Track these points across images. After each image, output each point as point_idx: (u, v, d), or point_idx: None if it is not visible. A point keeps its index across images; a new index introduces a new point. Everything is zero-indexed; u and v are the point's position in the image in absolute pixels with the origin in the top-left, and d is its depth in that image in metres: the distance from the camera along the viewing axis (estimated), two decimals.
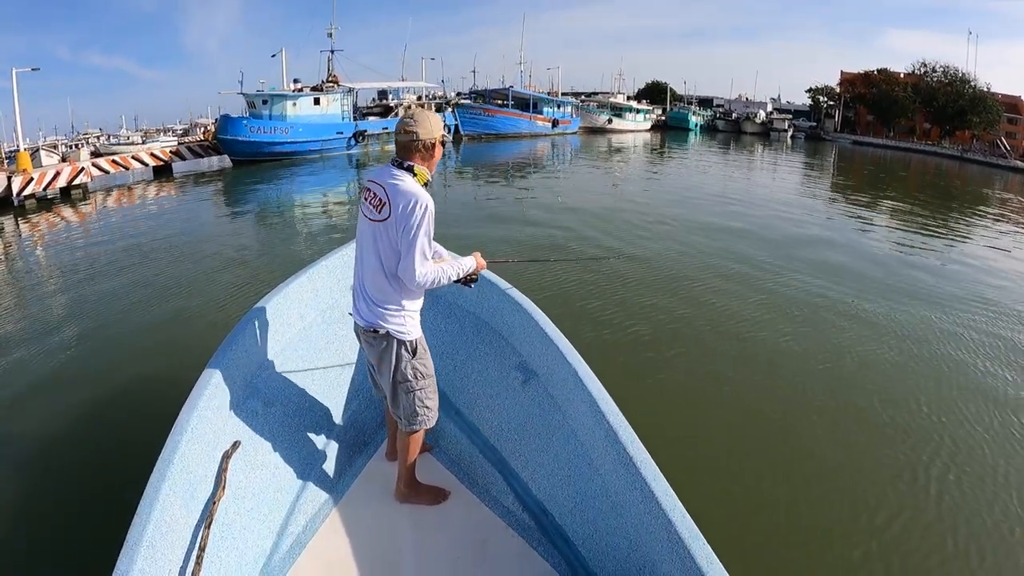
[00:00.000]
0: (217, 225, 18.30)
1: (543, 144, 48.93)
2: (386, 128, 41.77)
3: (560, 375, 3.44)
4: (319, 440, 3.70)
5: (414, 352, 3.18)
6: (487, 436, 3.81)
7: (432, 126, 3.04)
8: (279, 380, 3.73)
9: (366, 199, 3.09)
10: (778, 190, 25.03)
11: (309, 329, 4.16)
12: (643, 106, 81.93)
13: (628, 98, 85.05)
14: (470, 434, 3.87)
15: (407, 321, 3.15)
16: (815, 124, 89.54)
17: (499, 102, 57.31)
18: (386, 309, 3.08)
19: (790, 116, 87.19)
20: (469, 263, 3.37)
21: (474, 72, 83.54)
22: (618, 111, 74.15)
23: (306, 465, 3.50)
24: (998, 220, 21.64)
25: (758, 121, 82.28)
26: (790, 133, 79.34)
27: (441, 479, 3.59)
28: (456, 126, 49.63)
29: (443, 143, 3.17)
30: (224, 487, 2.85)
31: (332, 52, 44.42)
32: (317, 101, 38.15)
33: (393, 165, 3.08)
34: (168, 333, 8.25)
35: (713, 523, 2.80)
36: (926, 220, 19.55)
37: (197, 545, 2.52)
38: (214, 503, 2.74)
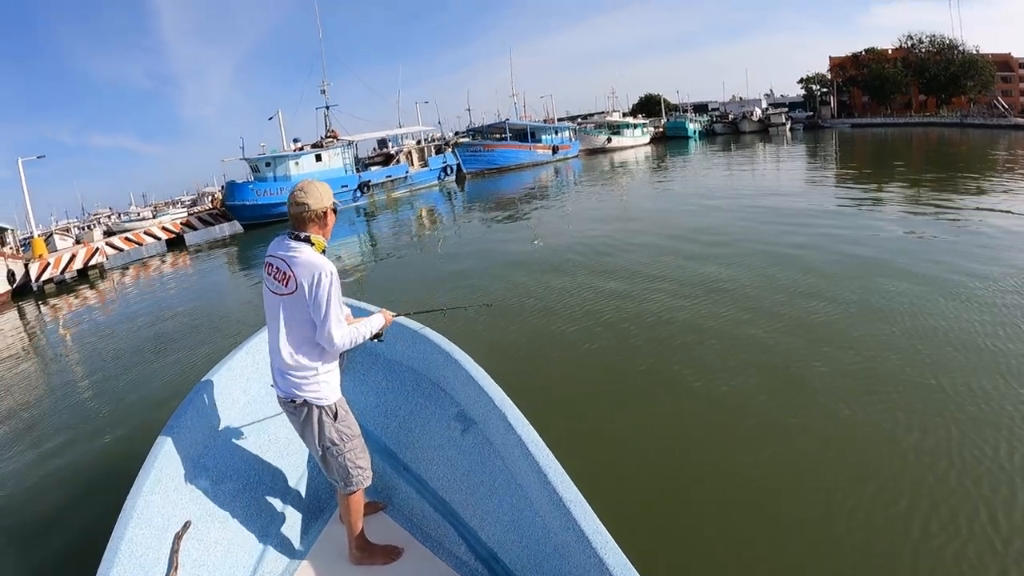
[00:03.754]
0: (232, 292, 18.43)
1: (546, 172, 49.13)
2: (389, 176, 42.29)
3: (494, 421, 3.46)
4: (272, 511, 3.68)
5: (335, 416, 3.20)
6: (436, 488, 3.79)
7: (322, 195, 3.15)
8: (228, 455, 3.75)
9: (269, 273, 3.15)
10: (798, 192, 24.43)
11: (254, 402, 4.22)
12: (639, 120, 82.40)
13: (624, 115, 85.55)
14: (420, 488, 3.85)
15: (323, 387, 3.17)
16: (812, 114, 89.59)
17: (497, 136, 57.83)
18: (301, 378, 3.11)
19: (786, 109, 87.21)
20: (377, 321, 3.46)
21: (469, 110, 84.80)
22: (616, 129, 74.55)
23: (261, 537, 3.48)
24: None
25: (755, 119, 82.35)
26: (788, 126, 79.02)
27: (395, 536, 3.59)
28: (458, 165, 50.12)
29: (335, 210, 3.28)
30: (176, 568, 2.84)
31: (327, 108, 45.07)
32: (319, 158, 38.55)
33: (289, 237, 3.14)
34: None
35: (647, 555, 2.89)
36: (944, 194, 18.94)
37: None
38: None
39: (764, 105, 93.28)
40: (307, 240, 3.09)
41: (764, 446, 5.25)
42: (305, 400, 3.12)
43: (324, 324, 2.98)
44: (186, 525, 3.10)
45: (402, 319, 4.24)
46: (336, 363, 3.29)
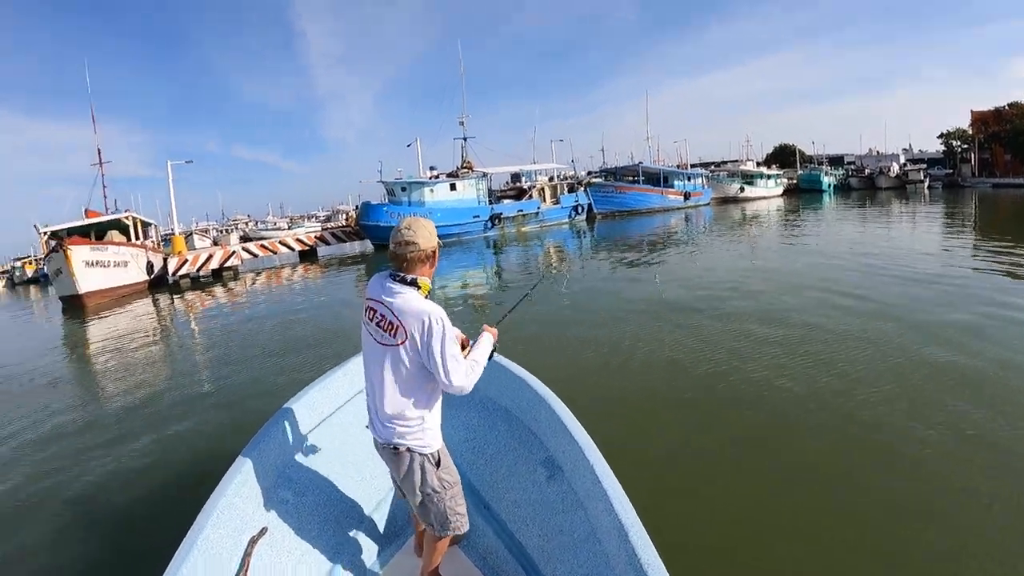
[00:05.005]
0: (355, 310, 18.06)
1: (676, 218, 47.61)
2: (521, 211, 42.12)
3: (582, 472, 3.38)
4: (348, 531, 3.70)
5: (438, 463, 3.08)
6: (514, 531, 3.71)
7: (431, 234, 2.97)
8: (312, 470, 3.82)
9: (371, 319, 2.97)
10: (950, 258, 22.38)
11: (344, 424, 4.26)
12: (773, 171, 79.39)
13: (757, 164, 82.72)
14: (497, 529, 3.78)
15: (427, 435, 3.03)
16: (951, 171, 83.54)
17: (630, 179, 56.85)
18: (406, 427, 2.97)
19: (924, 166, 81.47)
20: (487, 341, 3.28)
21: (602, 150, 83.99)
22: (749, 178, 71.94)
23: (332, 555, 3.50)
24: None
25: (892, 175, 77.43)
26: (926, 184, 73.62)
27: (465, 572, 3.54)
28: (590, 205, 49.54)
29: (440, 248, 3.09)
30: (247, 571, 2.91)
31: (465, 139, 45.67)
32: (453, 187, 38.89)
33: (393, 280, 2.93)
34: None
35: None
36: None
37: None
38: None
39: (902, 160, 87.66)
40: (413, 283, 2.90)
41: None
42: (408, 448, 3.00)
43: (445, 373, 2.84)
44: (263, 531, 3.18)
45: (502, 360, 4.35)
46: (439, 409, 3.14)
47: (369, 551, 3.70)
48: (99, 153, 39.66)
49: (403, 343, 2.83)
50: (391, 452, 3.03)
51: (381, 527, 3.90)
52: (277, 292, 23.03)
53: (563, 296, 15.28)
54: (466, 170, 42.27)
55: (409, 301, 2.84)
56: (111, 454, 7.35)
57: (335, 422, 4.25)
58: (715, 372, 8.06)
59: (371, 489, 4.05)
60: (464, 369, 2.92)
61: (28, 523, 5.82)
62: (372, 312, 2.96)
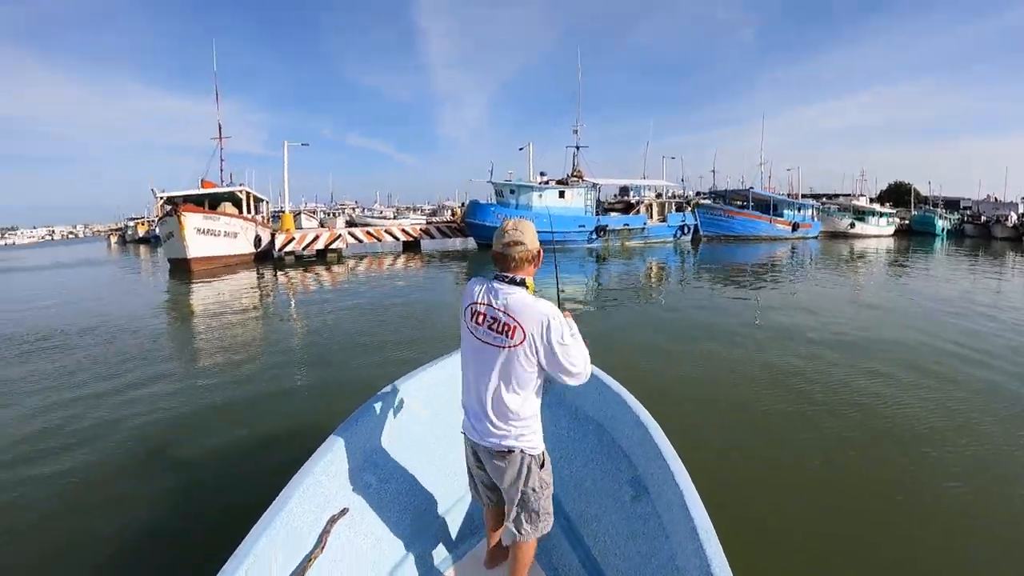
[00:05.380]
0: (454, 305, 18.27)
1: (782, 248, 45.30)
2: (627, 225, 41.18)
3: (668, 496, 3.28)
4: (424, 522, 3.75)
5: (542, 464, 3.07)
6: (590, 546, 3.68)
7: (535, 235, 2.94)
8: (397, 459, 3.84)
9: (479, 323, 2.88)
10: None
11: (434, 418, 4.26)
12: (886, 209, 75.32)
13: (870, 200, 78.83)
14: (574, 542, 3.75)
15: (535, 436, 3.01)
16: None
17: (739, 203, 54.86)
18: (517, 428, 2.92)
19: None
20: (574, 325, 3.07)
21: (713, 172, 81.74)
22: (860, 215, 68.04)
23: (408, 543, 3.56)
24: None
25: (1010, 224, 72.26)
26: None
27: None
28: (696, 226, 48.13)
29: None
30: (323, 548, 2.96)
31: (577, 148, 45.05)
32: (562, 194, 38.41)
33: (501, 281, 2.88)
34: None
35: None
36: None
37: None
38: (309, 560, 2.85)
39: (1021, 210, 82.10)
40: (522, 283, 2.87)
41: None
42: (521, 449, 2.96)
43: (571, 365, 2.82)
44: (343, 511, 3.23)
45: (596, 371, 4.26)
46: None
47: (441, 547, 3.73)
48: (219, 128, 40.99)
49: (521, 343, 2.77)
50: (500, 455, 2.97)
51: (455, 526, 3.92)
52: (378, 279, 23.05)
53: (659, 313, 15.04)
54: (576, 179, 41.63)
55: (523, 301, 2.79)
56: (204, 418, 7.54)
57: (424, 414, 4.27)
58: (810, 406, 7.71)
59: (450, 486, 4.08)
60: (585, 357, 2.91)
61: (120, 476, 5.97)
62: (480, 316, 2.88)
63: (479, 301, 2.89)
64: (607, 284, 21.68)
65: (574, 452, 4.37)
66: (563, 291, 15.82)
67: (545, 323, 2.75)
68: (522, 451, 2.97)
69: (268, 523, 2.72)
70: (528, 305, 2.78)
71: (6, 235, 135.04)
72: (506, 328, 2.79)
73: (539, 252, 2.94)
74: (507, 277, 2.86)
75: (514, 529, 3.14)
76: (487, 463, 3.08)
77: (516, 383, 2.86)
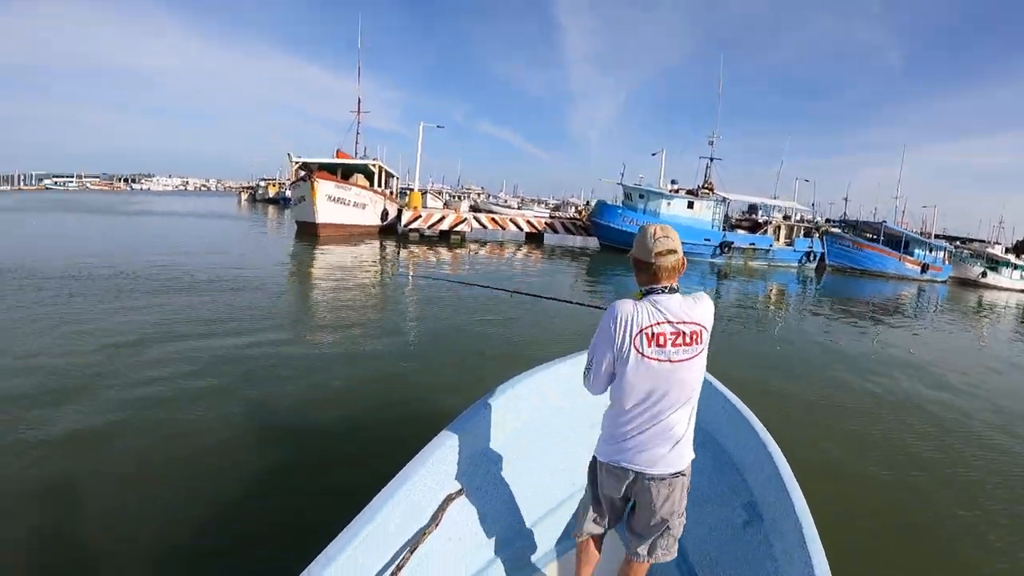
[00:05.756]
0: (570, 295, 17.88)
1: (908, 289, 42.57)
2: (753, 244, 39.69)
3: (784, 528, 3.10)
4: (532, 515, 3.72)
5: (688, 486, 2.85)
6: (694, 564, 3.58)
7: (680, 243, 2.70)
8: (521, 449, 3.81)
9: (660, 343, 2.56)
10: None
11: (564, 414, 4.22)
12: (1021, 261, 70.26)
13: (1006, 250, 73.76)
14: (679, 561, 3.50)
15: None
16: None
17: (869, 236, 52.22)
18: (687, 447, 2.74)
19: None
20: None
21: (845, 199, 78.18)
22: (994, 264, 63.61)
23: (515, 532, 3.58)
24: None
25: None
26: None
27: None
28: (822, 254, 46.09)
29: None
30: (438, 524, 2.98)
31: (711, 159, 43.65)
32: (691, 205, 37.38)
33: (665, 292, 2.62)
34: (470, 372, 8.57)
35: None
36: None
37: (396, 564, 2.67)
38: (424, 533, 2.88)
39: None
40: (677, 291, 2.64)
41: None
42: (683, 472, 2.75)
43: None
44: (460, 491, 3.25)
45: (716, 383, 4.31)
46: None
47: (544, 540, 3.72)
48: (359, 103, 42.01)
49: (703, 347, 2.63)
50: (670, 481, 2.74)
51: (560, 523, 3.87)
52: (497, 266, 22.94)
53: (771, 340, 14.32)
54: (706, 191, 40.46)
55: (695, 302, 2.63)
56: (323, 382, 7.48)
57: (554, 408, 4.22)
58: (925, 452, 7.27)
59: (562, 486, 4.02)
60: None
61: (239, 437, 5.84)
62: (660, 336, 2.57)
63: (654, 323, 2.59)
64: (726, 301, 20.94)
65: (695, 472, 4.17)
66: None
67: (711, 319, 2.67)
68: (683, 473, 2.81)
69: (391, 494, 2.79)
70: (702, 303, 2.66)
71: (142, 181, 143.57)
72: (694, 336, 2.61)
73: (684, 261, 2.74)
74: (664, 288, 2.64)
75: (646, 554, 2.97)
76: (646, 492, 2.82)
77: (694, 395, 2.71)
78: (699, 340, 2.60)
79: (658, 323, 2.57)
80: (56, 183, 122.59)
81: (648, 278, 2.64)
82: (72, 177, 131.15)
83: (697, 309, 2.60)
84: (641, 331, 2.58)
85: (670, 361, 2.59)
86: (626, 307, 2.60)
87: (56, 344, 8.16)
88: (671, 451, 2.71)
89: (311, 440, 5.85)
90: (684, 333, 2.58)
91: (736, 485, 3.90)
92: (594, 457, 2.94)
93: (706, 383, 4.01)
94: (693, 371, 2.64)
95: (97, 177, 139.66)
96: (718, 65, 50.49)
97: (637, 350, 2.58)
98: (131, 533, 4.21)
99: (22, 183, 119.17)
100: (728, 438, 4.16)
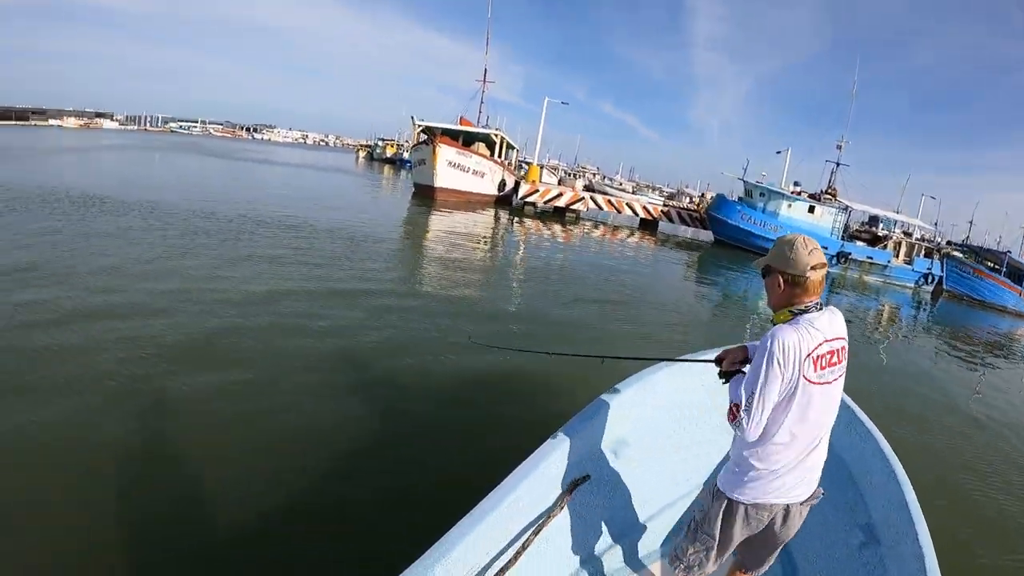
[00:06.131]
0: (680, 287, 17.96)
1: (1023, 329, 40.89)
2: (870, 258, 38.19)
3: (904, 555, 2.99)
4: (649, 510, 3.74)
5: None
6: None
7: None
8: (639, 443, 3.76)
9: (823, 367, 2.31)
10: None
11: (680, 411, 4.13)
12: None
13: None
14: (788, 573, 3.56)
15: None
16: None
17: (990, 265, 49.74)
18: None
19: None
20: None
21: (970, 223, 73.75)
22: None
23: (633, 524, 3.61)
24: None
25: None
26: None
27: None
28: (941, 278, 44.07)
29: None
30: (562, 507, 3.02)
31: (837, 165, 42.11)
32: (812, 209, 36.21)
33: (815, 308, 2.35)
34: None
35: None
36: None
37: (520, 543, 2.73)
38: (549, 516, 2.93)
39: None
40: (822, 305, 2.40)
41: None
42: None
43: None
44: (585, 477, 3.26)
45: (846, 397, 3.94)
46: None
47: (659, 539, 3.73)
48: (484, 72, 42.63)
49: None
50: (808, 502, 2.60)
51: (671, 522, 3.85)
52: (609, 249, 22.75)
53: (876, 364, 13.35)
54: (829, 196, 39.18)
55: (837, 315, 2.44)
56: (432, 350, 7.42)
57: (674, 407, 4.11)
58: None
59: (681, 484, 4.00)
60: None
61: (349, 402, 5.77)
62: (827, 357, 2.36)
63: (816, 345, 2.32)
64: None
65: None
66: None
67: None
68: (820, 491, 2.68)
69: (522, 477, 2.85)
70: (838, 315, 2.47)
71: (263, 131, 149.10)
72: (843, 352, 2.44)
73: None
74: (815, 304, 2.37)
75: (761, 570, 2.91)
76: (787, 519, 2.65)
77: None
78: (846, 355, 2.45)
79: (819, 345, 2.36)
80: (181, 127, 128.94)
81: (799, 294, 2.40)
82: (196, 122, 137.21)
83: (838, 322, 2.42)
84: (808, 357, 2.34)
85: (828, 383, 2.42)
86: (790, 335, 2.31)
87: (173, 283, 8.54)
88: (814, 475, 2.59)
89: (430, 413, 5.80)
90: (836, 351, 2.41)
91: (854, 503, 3.77)
92: (729, 501, 2.61)
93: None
94: (841, 388, 2.50)
95: (220, 124, 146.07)
96: (848, 65, 49.07)
97: (805, 378, 2.35)
98: (257, 490, 4.25)
99: (148, 124, 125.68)
100: (847, 450, 3.99)
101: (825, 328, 2.33)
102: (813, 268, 2.31)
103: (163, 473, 4.24)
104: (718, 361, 2.81)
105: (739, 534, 2.65)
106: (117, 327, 6.61)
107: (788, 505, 2.58)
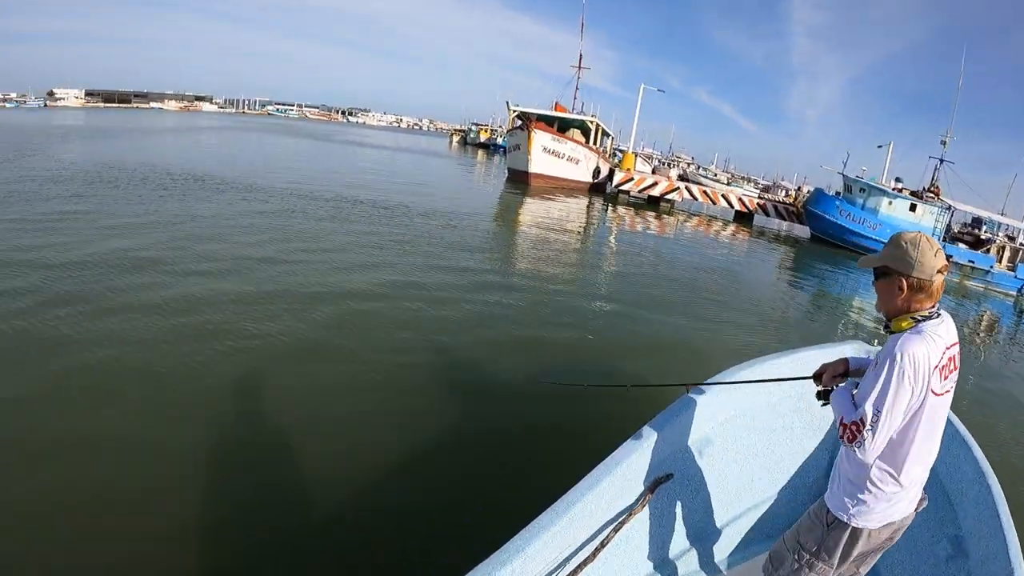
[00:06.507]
0: (775, 284, 17.55)
1: None
2: (972, 262, 36.79)
3: (992, 571, 2.88)
4: (730, 513, 3.71)
5: None
6: None
7: None
8: (724, 444, 3.74)
9: (946, 377, 2.18)
10: None
11: (767, 412, 4.02)
12: None
13: None
14: None
15: None
16: None
17: None
18: None
19: None
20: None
21: None
22: None
23: (711, 526, 3.59)
24: None
25: None
26: None
27: None
28: None
29: None
30: (644, 505, 3.05)
31: (941, 161, 40.56)
32: (913, 208, 34.85)
33: (938, 314, 2.19)
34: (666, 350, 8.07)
35: None
36: None
37: (599, 540, 2.79)
38: (630, 514, 2.97)
39: None
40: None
41: None
42: None
43: None
44: (668, 476, 3.26)
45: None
46: None
47: (740, 542, 3.73)
48: (580, 58, 42.40)
49: None
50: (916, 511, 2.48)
51: (750, 525, 3.82)
52: (704, 241, 22.59)
53: (978, 377, 12.63)
54: (931, 195, 37.83)
55: (948, 318, 2.25)
56: (524, 337, 7.48)
57: (761, 408, 4.02)
58: None
59: (765, 487, 3.95)
60: None
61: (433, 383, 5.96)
62: (946, 369, 2.20)
63: (941, 354, 2.18)
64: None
65: None
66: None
67: None
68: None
69: (604, 473, 2.87)
70: (949, 318, 2.26)
71: (358, 114, 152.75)
72: (958, 357, 2.30)
73: None
74: (936, 312, 2.21)
75: None
76: (897, 532, 2.53)
77: None
78: (959, 360, 2.30)
79: (943, 354, 2.19)
80: (278, 110, 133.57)
81: (923, 300, 2.21)
82: (293, 105, 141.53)
83: (951, 326, 2.24)
84: (936, 368, 2.17)
85: (948, 392, 2.27)
86: (919, 348, 2.11)
87: (271, 256, 9.12)
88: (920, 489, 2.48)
89: (511, 398, 5.88)
90: (953, 358, 2.26)
91: (944, 513, 3.62)
92: (852, 529, 2.44)
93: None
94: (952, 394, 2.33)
95: (317, 107, 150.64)
96: (953, 56, 47.00)
97: (932, 391, 2.18)
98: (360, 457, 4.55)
99: (246, 107, 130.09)
100: (941, 459, 3.58)
101: (945, 334, 2.18)
102: (939, 272, 2.15)
103: (269, 450, 4.58)
104: (816, 377, 2.70)
105: (857, 555, 2.52)
106: (218, 301, 7.23)
107: (906, 516, 2.47)
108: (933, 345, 2.12)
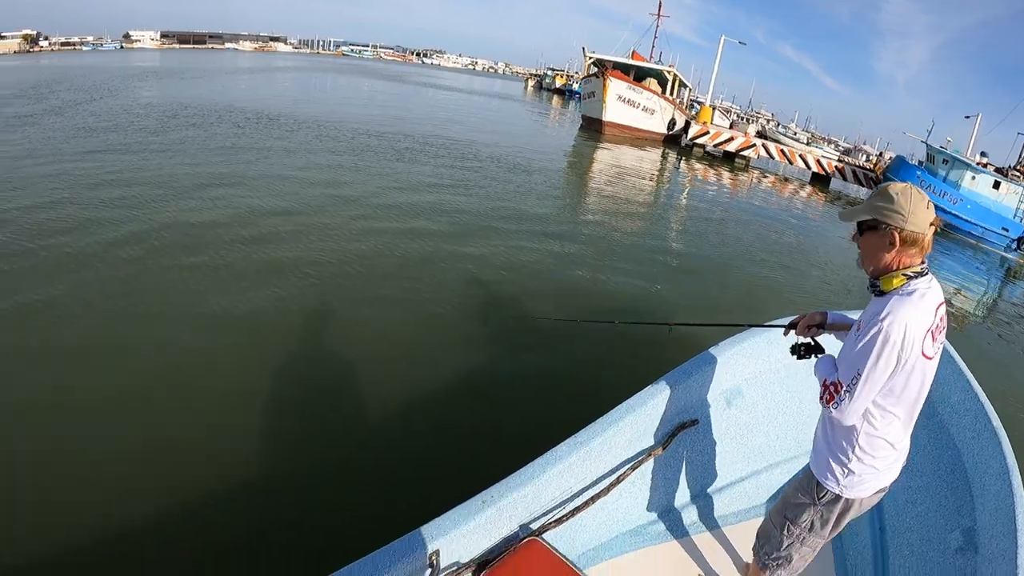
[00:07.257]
0: (845, 251, 16.94)
1: None
2: None
3: (1000, 571, 2.72)
4: (755, 468, 3.75)
5: None
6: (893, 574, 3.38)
7: None
8: (757, 398, 3.72)
9: (935, 338, 2.06)
10: None
11: (800, 370, 3.86)
12: None
13: None
14: (877, 568, 3.50)
15: None
16: None
17: None
18: None
19: None
20: None
21: None
22: None
23: (721, 477, 3.61)
24: None
25: None
26: None
27: None
28: None
29: None
30: (665, 448, 3.13)
31: None
32: (997, 185, 33.57)
33: (924, 275, 2.07)
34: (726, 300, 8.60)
35: None
36: None
37: (616, 475, 2.88)
38: (649, 454, 3.05)
39: None
40: None
41: None
42: None
43: None
44: (693, 421, 3.31)
45: (973, 380, 3.77)
46: None
47: (756, 496, 3.75)
48: (660, 6, 41.72)
49: None
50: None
51: (772, 486, 3.83)
52: (777, 201, 22.13)
53: None
54: (1017, 174, 36.36)
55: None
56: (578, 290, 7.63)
57: (794, 366, 3.82)
58: None
59: (787, 446, 3.93)
60: None
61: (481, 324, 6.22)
62: (940, 321, 2.13)
63: (935, 314, 2.09)
64: (1007, 304, 18.38)
65: (918, 469, 3.76)
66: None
67: None
68: None
69: (626, 412, 2.95)
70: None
71: (433, 56, 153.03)
72: (945, 315, 2.18)
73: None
74: (926, 269, 2.09)
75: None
76: (876, 502, 2.49)
77: None
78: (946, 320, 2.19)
79: (935, 314, 2.09)
80: (352, 51, 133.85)
81: (915, 255, 2.08)
82: (368, 46, 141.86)
83: (936, 282, 2.12)
84: (928, 331, 2.06)
85: (938, 353, 2.15)
86: (911, 315, 2.00)
87: (338, 192, 9.48)
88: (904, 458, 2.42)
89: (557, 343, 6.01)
90: (943, 316, 2.15)
91: (963, 504, 3.49)
92: (845, 500, 2.40)
93: (951, 361, 3.75)
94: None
95: (391, 48, 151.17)
96: None
97: (923, 355, 2.07)
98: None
99: (320, 48, 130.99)
100: (968, 450, 3.66)
101: (937, 293, 2.09)
102: (931, 224, 2.02)
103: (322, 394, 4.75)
104: (792, 326, 2.63)
105: (847, 522, 2.50)
106: (287, 237, 7.69)
107: (895, 478, 2.43)
108: (925, 307, 2.03)
